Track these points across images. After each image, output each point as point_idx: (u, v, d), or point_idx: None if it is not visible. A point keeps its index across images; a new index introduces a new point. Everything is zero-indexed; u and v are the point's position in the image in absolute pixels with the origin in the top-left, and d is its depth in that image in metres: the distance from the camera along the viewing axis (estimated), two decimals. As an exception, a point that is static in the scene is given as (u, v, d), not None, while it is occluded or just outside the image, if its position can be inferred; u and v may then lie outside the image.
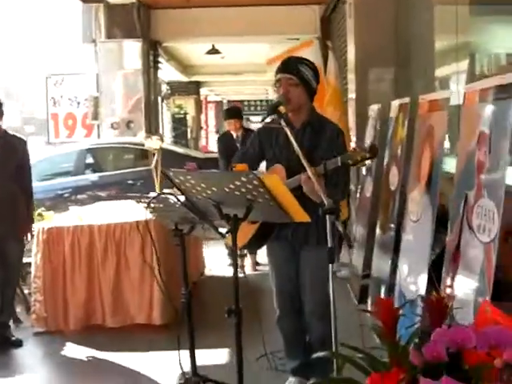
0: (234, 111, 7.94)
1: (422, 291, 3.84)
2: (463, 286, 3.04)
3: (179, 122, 19.10)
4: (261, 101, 29.91)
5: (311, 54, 6.66)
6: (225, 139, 7.87)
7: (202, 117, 23.36)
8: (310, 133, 3.72)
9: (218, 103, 28.54)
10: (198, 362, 4.59)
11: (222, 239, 3.68)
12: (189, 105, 19.98)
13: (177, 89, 19.31)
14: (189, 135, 19.65)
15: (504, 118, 2.90)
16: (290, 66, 3.74)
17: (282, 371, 4.35)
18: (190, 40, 12.97)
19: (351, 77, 7.03)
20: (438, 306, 2.58)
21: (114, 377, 4.59)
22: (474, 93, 3.26)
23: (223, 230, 3.71)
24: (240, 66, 18.74)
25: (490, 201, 2.88)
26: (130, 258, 5.46)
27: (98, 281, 5.47)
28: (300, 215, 3.11)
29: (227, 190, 3.13)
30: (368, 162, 3.59)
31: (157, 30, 11.95)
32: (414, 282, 4.02)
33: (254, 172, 2.99)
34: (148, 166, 9.71)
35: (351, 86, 7.06)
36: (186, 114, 19.49)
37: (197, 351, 4.83)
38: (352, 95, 6.93)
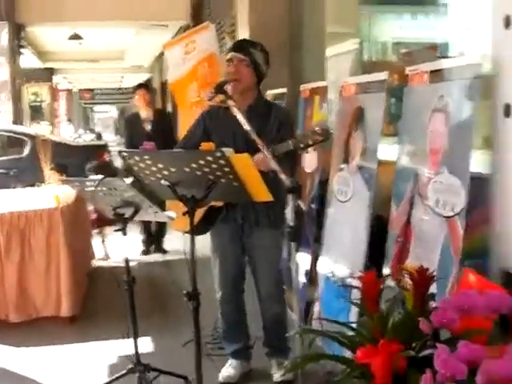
0: (142, 83, 7.66)
1: (357, 270, 3.94)
2: (422, 260, 3.14)
3: (35, 110, 18.32)
4: (113, 89, 29.27)
5: (208, 37, 6.57)
6: (132, 121, 7.39)
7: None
8: (255, 117, 3.65)
9: (69, 91, 27.64)
10: (124, 352, 4.49)
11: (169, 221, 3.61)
12: (43, 92, 19.20)
13: (31, 75, 18.47)
14: (45, 123, 18.88)
15: (460, 97, 3.04)
16: (243, 47, 3.75)
17: (212, 355, 4.34)
18: (54, 24, 12.48)
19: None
20: (421, 278, 2.67)
21: (22, 374, 4.31)
22: (422, 74, 3.39)
23: (171, 214, 3.64)
24: (98, 52, 18.28)
25: (452, 176, 3.01)
26: (35, 248, 5.18)
27: (1, 273, 5.15)
28: (263, 195, 3.11)
29: (188, 169, 3.05)
30: None
31: (21, 13, 11.39)
32: (346, 261, 4.11)
33: (223, 150, 2.93)
34: (21, 154, 9.29)
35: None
36: (42, 101, 18.74)
37: (114, 341, 4.74)
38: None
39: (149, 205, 3.42)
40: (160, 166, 3.10)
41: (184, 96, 6.59)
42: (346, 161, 4.27)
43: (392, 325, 2.62)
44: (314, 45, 7.01)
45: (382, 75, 3.87)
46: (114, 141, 20.05)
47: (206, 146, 3.30)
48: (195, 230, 3.79)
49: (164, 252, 7.65)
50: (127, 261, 3.62)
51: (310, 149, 4.92)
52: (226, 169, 2.97)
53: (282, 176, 3.20)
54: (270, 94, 6.46)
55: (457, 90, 3.05)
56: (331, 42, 7.03)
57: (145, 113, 7.28)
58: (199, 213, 3.71)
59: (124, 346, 4.54)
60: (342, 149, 4.34)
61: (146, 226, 7.60)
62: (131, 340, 3.81)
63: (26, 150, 9.17)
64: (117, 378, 3.69)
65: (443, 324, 2.27)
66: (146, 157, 3.10)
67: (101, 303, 5.85)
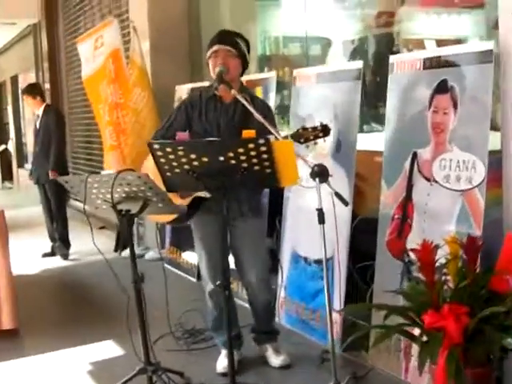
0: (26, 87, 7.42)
1: (344, 251, 4.12)
2: (431, 233, 3.38)
3: None
4: None
5: (112, 33, 6.44)
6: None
7: None
8: (241, 107, 3.70)
9: None
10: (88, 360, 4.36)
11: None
12: None
13: None
14: None
15: (472, 80, 3.32)
16: (228, 38, 3.76)
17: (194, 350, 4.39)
18: None
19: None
20: (471, 246, 2.93)
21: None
22: (415, 61, 3.64)
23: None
24: None
25: (464, 153, 3.29)
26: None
27: None
28: (293, 179, 3.21)
29: (222, 158, 3.07)
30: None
31: None
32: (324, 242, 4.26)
33: (267, 137, 2.98)
34: None
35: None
36: None
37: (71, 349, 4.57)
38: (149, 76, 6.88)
39: (162, 198, 3.36)
40: (192, 156, 3.08)
41: (97, 92, 6.43)
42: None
43: (456, 289, 2.85)
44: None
45: (357, 64, 4.10)
46: None
47: (247, 133, 3.28)
48: (177, 220, 3.79)
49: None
50: (134, 260, 3.52)
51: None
52: (264, 156, 3.03)
53: (305, 161, 3.32)
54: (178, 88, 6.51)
55: (468, 73, 3.32)
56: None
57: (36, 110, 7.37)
58: (186, 202, 3.70)
59: (85, 352, 4.49)
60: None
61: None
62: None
63: None
64: (128, 380, 3.59)
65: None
66: (180, 147, 3.08)
67: (32, 312, 5.57)
